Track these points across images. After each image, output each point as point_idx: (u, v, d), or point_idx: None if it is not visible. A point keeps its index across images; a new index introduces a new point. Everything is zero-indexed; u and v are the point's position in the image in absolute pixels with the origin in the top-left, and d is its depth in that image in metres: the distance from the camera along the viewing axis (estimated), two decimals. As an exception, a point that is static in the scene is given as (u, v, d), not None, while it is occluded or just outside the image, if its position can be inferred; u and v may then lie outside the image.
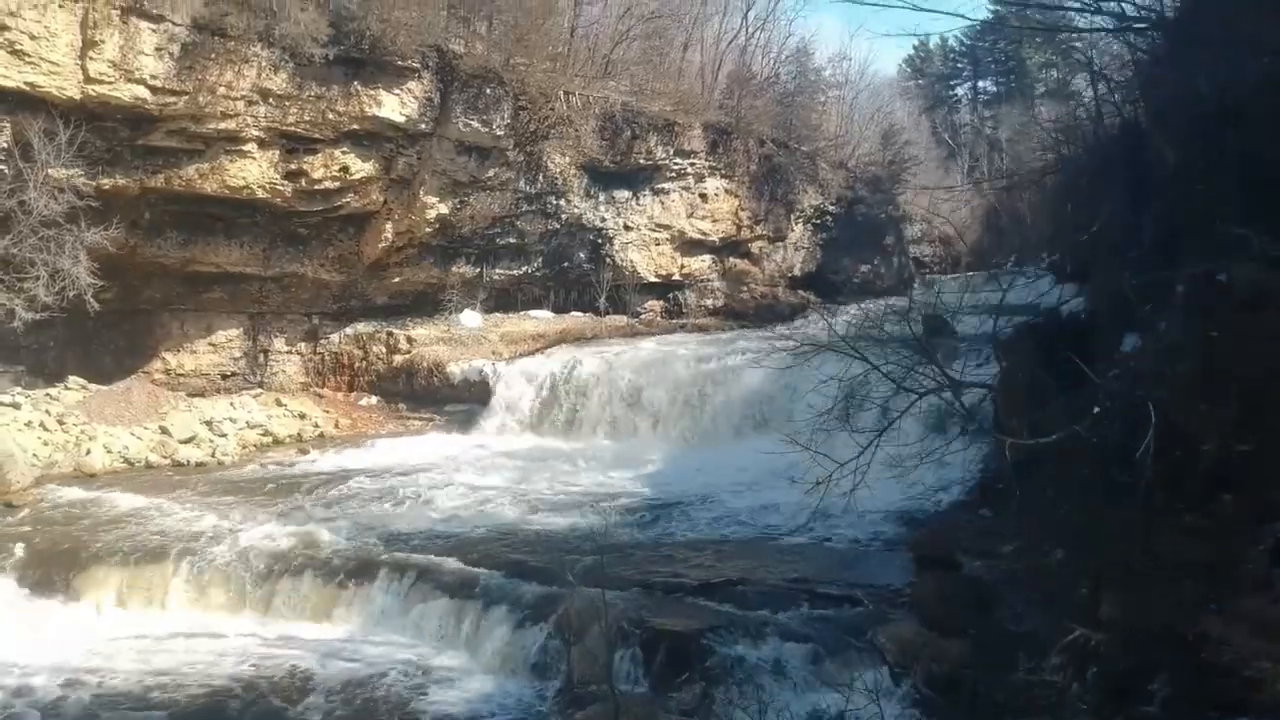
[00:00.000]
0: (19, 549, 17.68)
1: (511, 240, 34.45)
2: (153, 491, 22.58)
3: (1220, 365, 18.19)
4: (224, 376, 32.19)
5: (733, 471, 23.41)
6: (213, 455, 27.23)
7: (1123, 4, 28.39)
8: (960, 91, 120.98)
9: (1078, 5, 32.08)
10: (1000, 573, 16.08)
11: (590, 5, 36.28)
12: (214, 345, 31.84)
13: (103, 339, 30.17)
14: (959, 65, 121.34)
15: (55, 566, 17.30)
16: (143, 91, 24.91)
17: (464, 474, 24.26)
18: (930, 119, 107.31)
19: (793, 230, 40.69)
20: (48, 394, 28.06)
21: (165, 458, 26.76)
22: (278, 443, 29.44)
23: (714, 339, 33.15)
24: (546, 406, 29.86)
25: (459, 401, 32.19)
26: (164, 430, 27.84)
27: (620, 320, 36.60)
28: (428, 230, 32.25)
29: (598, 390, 29.20)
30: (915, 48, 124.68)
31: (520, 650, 13.90)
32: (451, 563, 16.67)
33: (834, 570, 16.15)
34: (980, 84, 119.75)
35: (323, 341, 33.26)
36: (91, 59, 23.88)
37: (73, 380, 28.70)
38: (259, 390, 32.26)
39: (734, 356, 28.58)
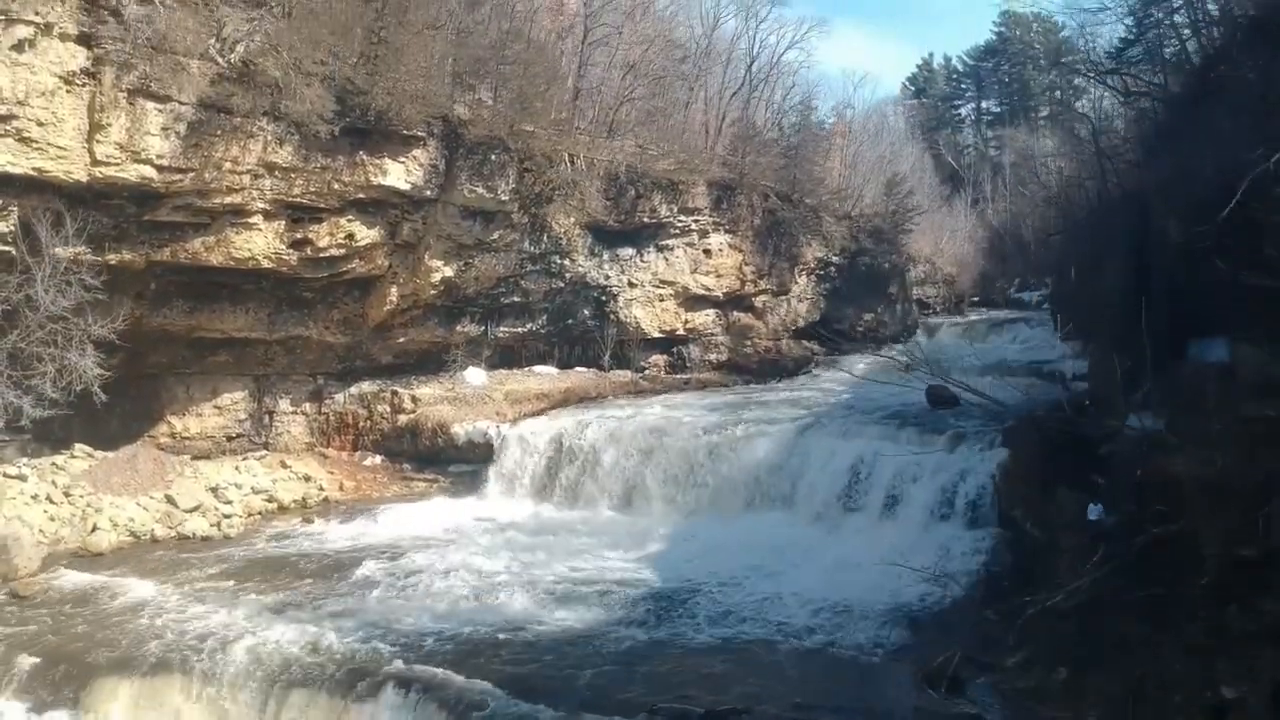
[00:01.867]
0: (25, 662, 17.71)
1: (516, 299, 34.59)
2: (159, 575, 22.69)
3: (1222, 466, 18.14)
4: (229, 438, 32.26)
5: (739, 552, 23.45)
6: (218, 527, 27.33)
7: (1125, 77, 28.65)
8: (964, 111, 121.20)
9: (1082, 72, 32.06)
10: (1003, 695, 16.13)
11: (594, 66, 36.35)
12: (219, 408, 31.93)
13: (109, 405, 29.97)
14: (962, 85, 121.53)
15: (63, 678, 17.35)
16: (149, 171, 24.97)
17: (469, 554, 24.22)
18: (931, 142, 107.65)
19: (796, 282, 40.77)
20: (54, 463, 28.14)
21: (171, 529, 26.90)
22: (283, 509, 29.59)
23: (720, 401, 33.14)
24: (550, 473, 29.93)
25: (464, 462, 32.30)
26: (169, 499, 27.95)
27: (624, 376, 36.66)
28: (432, 292, 32.39)
29: (602, 459, 29.23)
30: (919, 66, 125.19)
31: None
32: (457, 678, 16.68)
33: (838, 690, 16.16)
34: (983, 104, 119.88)
35: (327, 401, 33.36)
36: (99, 142, 23.93)
37: (79, 448, 28.77)
38: (264, 452, 32.35)
39: (739, 426, 28.55)
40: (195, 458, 31.06)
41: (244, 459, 31.59)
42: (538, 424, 31.73)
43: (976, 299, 71.93)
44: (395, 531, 27.02)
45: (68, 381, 22.05)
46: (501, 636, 18.83)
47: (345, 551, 24.91)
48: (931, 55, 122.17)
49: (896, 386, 27.14)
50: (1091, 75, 29.53)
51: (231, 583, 22.26)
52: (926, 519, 22.89)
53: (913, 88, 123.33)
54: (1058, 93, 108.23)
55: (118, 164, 24.40)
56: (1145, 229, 27.15)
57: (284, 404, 32.81)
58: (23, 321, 21.50)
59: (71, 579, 22.35)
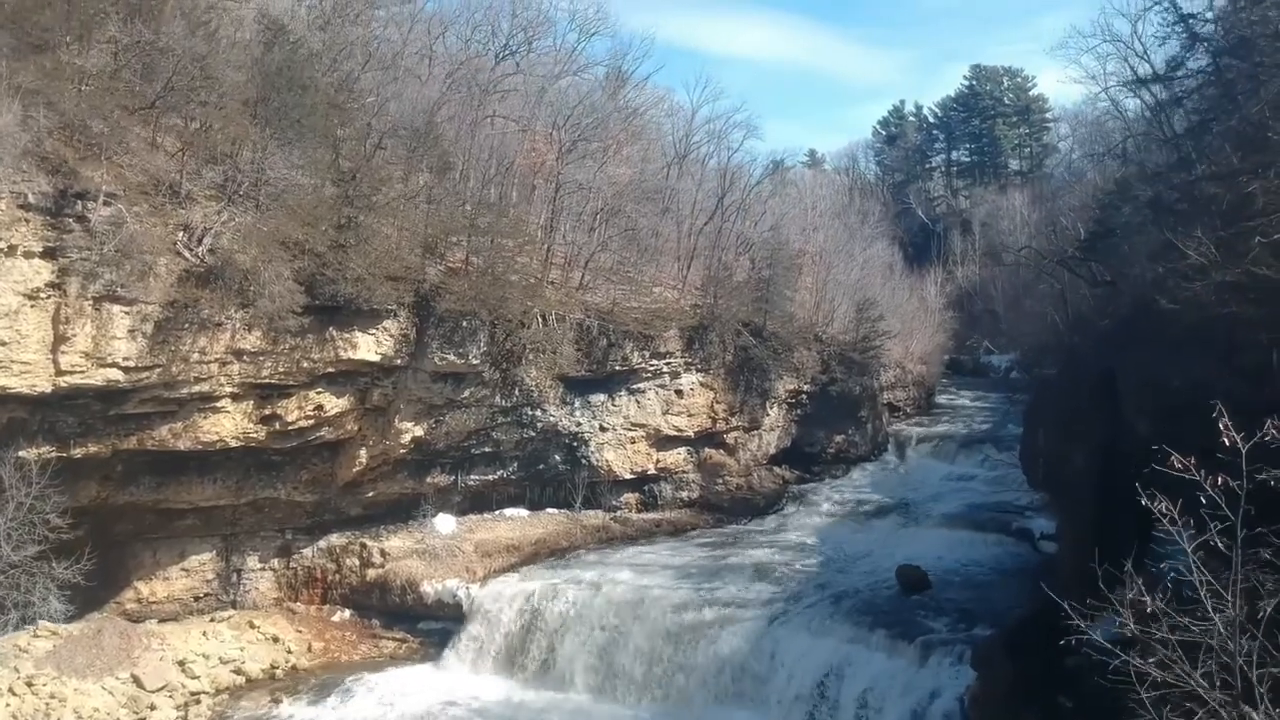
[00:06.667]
0: None
1: (487, 449, 34.49)
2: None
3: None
4: (196, 599, 31.94)
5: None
6: (184, 712, 27.00)
7: (1093, 265, 28.97)
8: (935, 161, 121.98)
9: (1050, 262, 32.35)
10: None
11: (568, 216, 36.27)
12: (187, 570, 31.62)
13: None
14: (933, 133, 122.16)
15: None
16: (115, 374, 24.87)
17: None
18: (902, 196, 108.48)
19: (768, 415, 40.81)
20: (17, 645, 27.55)
21: (137, 716, 26.52)
22: (250, 682, 29.35)
23: (690, 561, 32.85)
24: (520, 644, 29.79)
25: (433, 619, 32.13)
26: (136, 680, 27.56)
27: (596, 517, 36.55)
28: (402, 451, 32.30)
29: (572, 634, 29.14)
30: (890, 112, 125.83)
31: None
32: None
33: None
34: (954, 154, 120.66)
35: (295, 556, 33.11)
36: (63, 352, 23.81)
37: (43, 626, 28.21)
38: (231, 611, 32.02)
39: (709, 609, 28.48)
40: (162, 621, 30.76)
41: (212, 620, 31.27)
42: (507, 587, 31.53)
43: (948, 358, 72.12)
44: (361, 716, 26.93)
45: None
46: None
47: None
48: (903, 102, 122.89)
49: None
50: (1058, 263, 29.81)
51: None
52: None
53: (884, 132, 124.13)
54: (1028, 150, 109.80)
55: (83, 371, 24.29)
56: (1114, 421, 27.50)
57: (252, 561, 32.53)
58: (-17, 568, 21.26)
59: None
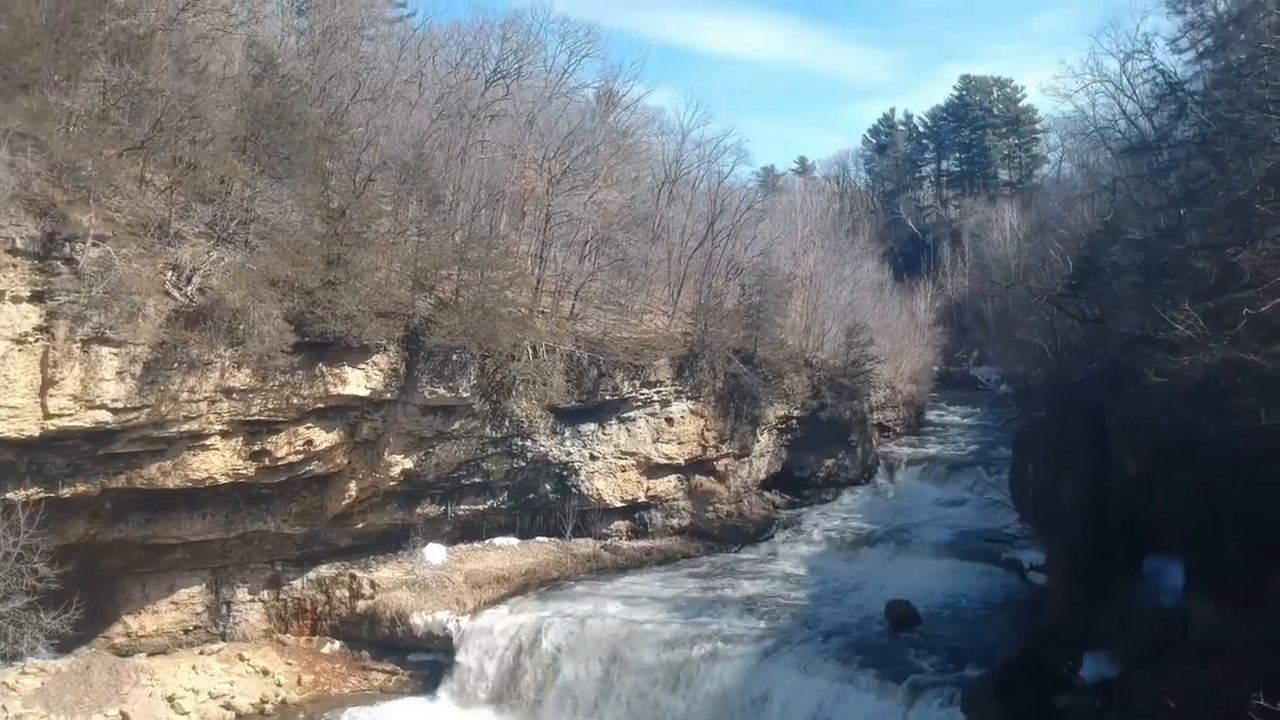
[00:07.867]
0: None
1: (477, 480, 34.50)
2: None
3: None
4: (186, 631, 31.86)
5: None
6: (173, 758, 26.99)
7: (1082, 303, 29.05)
8: (925, 170, 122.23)
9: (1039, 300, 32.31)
10: None
11: (562, 250, 36.27)
12: (176, 603, 31.56)
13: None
14: (923, 142, 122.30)
15: None
16: (104, 415, 24.79)
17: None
18: (893, 207, 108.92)
19: (758, 441, 40.85)
20: (4, 683, 27.53)
21: (126, 760, 26.54)
22: (240, 717, 29.48)
23: (681, 593, 32.79)
24: (510, 679, 29.92)
25: (423, 651, 32.15)
26: (125, 718, 27.59)
27: (587, 546, 36.54)
28: (392, 483, 32.29)
29: (563, 669, 29.19)
30: (880, 120, 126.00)
31: None
32: None
33: None
34: (943, 164, 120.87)
35: (285, 588, 33.06)
36: (52, 395, 23.72)
37: (31, 663, 28.09)
38: (221, 643, 31.96)
39: (701, 644, 28.45)
40: (152, 654, 30.66)
41: (201, 653, 31.20)
42: (497, 619, 31.56)
43: (937, 369, 72.13)
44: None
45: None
46: None
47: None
48: (893, 111, 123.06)
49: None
50: (1048, 301, 29.92)
51: None
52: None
53: (874, 141, 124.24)
54: (1018, 160, 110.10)
55: (71, 414, 24.21)
56: (1103, 458, 27.61)
57: (241, 593, 32.48)
58: (-30, 617, 21.16)
59: None
